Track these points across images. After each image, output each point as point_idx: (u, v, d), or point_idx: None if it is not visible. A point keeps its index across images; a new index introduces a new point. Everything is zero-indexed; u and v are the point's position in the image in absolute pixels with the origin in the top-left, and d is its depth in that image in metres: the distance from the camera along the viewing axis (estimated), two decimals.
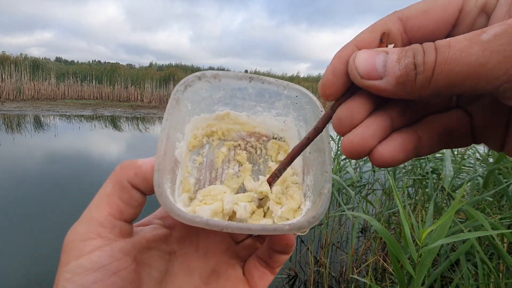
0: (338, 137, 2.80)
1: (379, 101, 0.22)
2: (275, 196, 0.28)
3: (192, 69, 21.91)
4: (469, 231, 1.20)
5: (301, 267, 2.43)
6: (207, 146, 0.31)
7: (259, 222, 0.27)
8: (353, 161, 2.83)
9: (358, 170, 2.74)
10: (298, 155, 0.25)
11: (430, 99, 0.20)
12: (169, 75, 16.16)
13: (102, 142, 6.83)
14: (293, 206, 0.27)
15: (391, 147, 0.21)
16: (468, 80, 0.17)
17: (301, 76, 21.26)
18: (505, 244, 1.34)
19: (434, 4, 0.20)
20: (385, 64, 0.19)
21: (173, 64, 22.97)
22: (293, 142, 0.30)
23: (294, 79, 18.68)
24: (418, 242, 0.93)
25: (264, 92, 0.29)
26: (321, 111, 0.27)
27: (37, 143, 6.15)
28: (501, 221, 1.27)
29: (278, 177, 0.27)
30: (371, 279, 1.88)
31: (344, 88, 0.22)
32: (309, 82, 18.97)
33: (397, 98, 0.20)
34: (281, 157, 0.31)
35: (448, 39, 0.18)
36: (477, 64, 0.16)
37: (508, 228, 1.42)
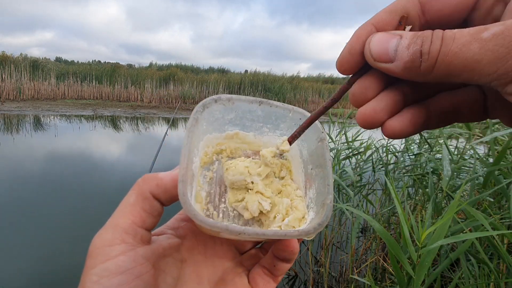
0: (338, 136, 2.80)
1: (392, 79, 0.23)
2: (284, 207, 0.30)
3: (192, 69, 21.89)
4: (470, 231, 1.20)
5: (301, 267, 2.43)
6: (216, 162, 0.33)
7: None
8: (353, 161, 2.82)
9: (358, 169, 2.74)
10: (316, 120, 0.28)
11: (435, 82, 0.21)
12: (169, 75, 16.16)
13: (102, 142, 6.83)
14: (298, 216, 0.30)
15: (400, 121, 0.23)
16: (464, 73, 0.18)
17: (301, 76, 21.26)
18: (505, 245, 1.34)
19: None
20: (396, 49, 0.20)
21: (173, 64, 22.96)
22: (296, 160, 0.34)
23: (294, 79, 18.67)
24: (418, 243, 0.93)
25: (271, 114, 0.32)
26: (323, 133, 0.31)
27: (37, 143, 6.15)
28: (501, 221, 1.27)
29: (297, 137, 0.30)
30: (370, 279, 1.88)
31: (358, 65, 0.23)
32: (309, 82, 18.95)
33: (405, 79, 0.21)
34: (283, 173, 0.34)
35: (455, 30, 0.19)
36: (473, 60, 0.17)
37: (508, 228, 1.42)
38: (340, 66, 0.24)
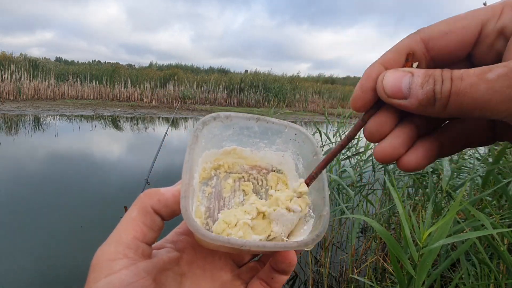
0: (334, 137, 2.80)
1: (404, 113, 0.24)
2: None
3: (192, 69, 21.89)
4: (469, 230, 1.20)
5: (301, 267, 2.43)
6: (215, 178, 0.34)
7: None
8: (353, 161, 2.83)
9: (358, 169, 2.74)
10: (333, 159, 0.29)
11: (449, 117, 0.22)
12: (169, 75, 16.16)
13: (102, 142, 6.83)
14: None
15: (415, 156, 0.24)
16: (476, 110, 0.19)
17: (301, 76, 21.26)
18: (505, 245, 1.34)
19: (455, 26, 0.22)
20: (410, 87, 0.21)
21: (173, 64, 22.95)
22: (291, 174, 0.35)
23: (294, 79, 18.67)
24: (419, 243, 0.93)
25: (267, 130, 0.34)
26: (317, 147, 0.32)
27: (37, 143, 6.15)
28: (501, 221, 1.27)
29: (315, 178, 0.30)
30: (371, 279, 1.88)
31: (371, 102, 0.25)
32: (309, 82, 18.95)
33: (418, 114, 0.22)
34: (280, 186, 0.35)
35: (462, 71, 0.20)
36: (482, 100, 0.19)
37: (509, 227, 1.42)
38: (354, 104, 0.25)
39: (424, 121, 0.25)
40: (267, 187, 0.35)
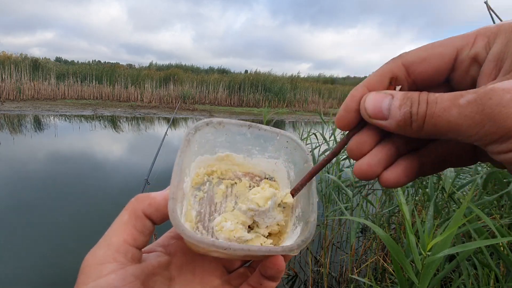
0: (331, 137, 2.80)
1: (386, 132, 0.26)
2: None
3: (192, 69, 21.88)
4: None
5: (301, 267, 2.43)
6: (207, 183, 0.34)
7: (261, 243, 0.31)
8: (352, 161, 2.83)
9: None
10: (317, 173, 0.30)
11: (427, 138, 0.23)
12: (169, 75, 16.16)
13: (102, 142, 6.83)
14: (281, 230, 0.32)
15: (394, 173, 0.26)
16: (449, 133, 0.21)
17: (302, 76, 21.25)
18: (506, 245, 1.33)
19: (432, 53, 0.24)
20: (389, 108, 0.23)
21: (173, 64, 22.95)
22: (283, 181, 0.35)
23: (294, 79, 18.67)
24: (423, 252, 0.92)
25: (260, 137, 0.34)
26: (307, 154, 0.33)
27: (37, 143, 6.15)
28: (501, 221, 1.27)
29: (300, 190, 0.31)
30: (370, 279, 1.88)
31: (355, 122, 0.26)
32: (309, 82, 18.94)
33: (399, 134, 0.24)
34: None
35: (437, 94, 0.21)
36: (455, 123, 0.20)
37: (509, 228, 1.41)
38: (338, 123, 0.27)
39: (405, 140, 0.26)
40: None
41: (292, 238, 0.30)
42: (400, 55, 0.25)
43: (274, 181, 0.36)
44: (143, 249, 0.29)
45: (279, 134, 0.34)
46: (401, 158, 0.26)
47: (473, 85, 0.23)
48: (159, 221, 0.29)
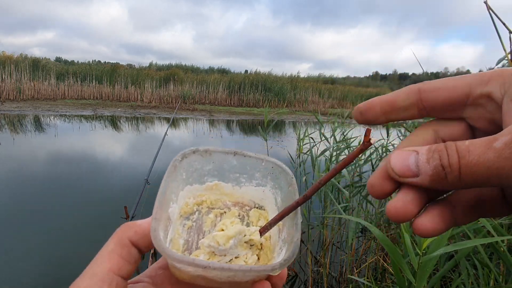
0: (331, 137, 2.80)
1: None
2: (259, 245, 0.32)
3: (192, 69, 21.89)
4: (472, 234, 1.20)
5: (301, 267, 2.44)
6: (197, 213, 0.35)
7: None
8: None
9: (358, 170, 2.74)
10: (287, 215, 0.30)
11: (466, 188, 0.22)
12: (169, 75, 16.17)
13: (102, 142, 6.83)
14: (268, 254, 0.32)
15: (430, 218, 0.24)
16: (492, 179, 0.19)
17: (302, 76, 21.26)
18: (505, 245, 1.33)
19: (446, 84, 0.24)
20: (417, 164, 0.22)
21: (173, 64, 22.95)
22: (271, 209, 0.35)
23: (294, 79, 18.67)
24: (419, 252, 0.93)
25: (246, 164, 0.34)
26: (292, 178, 0.33)
27: (37, 143, 6.15)
28: (501, 220, 1.27)
29: (269, 229, 0.31)
30: (370, 280, 1.88)
31: (393, 188, 0.24)
32: (309, 82, 18.95)
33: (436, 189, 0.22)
34: (261, 223, 0.35)
35: (467, 142, 0.20)
36: (494, 168, 0.19)
37: (509, 227, 1.42)
38: (373, 193, 0.25)
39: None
40: (248, 222, 0.35)
41: (276, 259, 0.30)
42: (420, 83, 0.25)
43: (264, 209, 0.36)
44: (129, 280, 0.29)
45: (264, 160, 0.34)
46: (430, 204, 0.24)
47: (491, 123, 0.23)
48: (146, 249, 0.29)
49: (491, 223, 1.06)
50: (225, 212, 0.35)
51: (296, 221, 0.30)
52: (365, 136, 0.25)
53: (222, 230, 0.30)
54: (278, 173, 0.34)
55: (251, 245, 0.31)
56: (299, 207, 0.30)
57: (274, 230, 0.33)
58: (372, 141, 0.25)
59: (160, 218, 0.27)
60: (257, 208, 0.36)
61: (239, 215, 0.35)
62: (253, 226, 0.34)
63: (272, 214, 0.35)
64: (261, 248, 0.32)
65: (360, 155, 0.28)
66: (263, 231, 0.31)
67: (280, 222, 0.31)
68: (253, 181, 0.35)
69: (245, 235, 0.31)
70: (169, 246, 0.29)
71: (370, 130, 0.25)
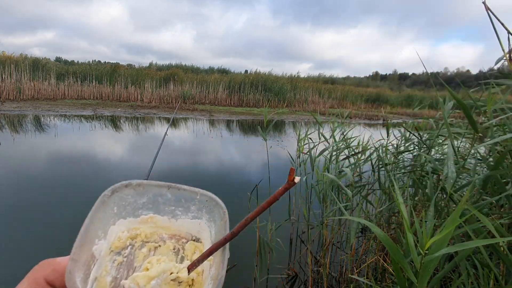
0: (331, 138, 2.80)
1: None
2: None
3: (192, 69, 21.87)
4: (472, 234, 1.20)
5: (301, 267, 2.44)
6: (129, 247, 0.33)
7: None
8: (352, 160, 2.83)
9: (358, 169, 2.74)
10: (215, 251, 0.30)
11: None
12: (169, 75, 16.17)
13: (102, 142, 6.83)
14: None
15: None
16: None
17: (302, 76, 21.25)
18: (505, 244, 1.33)
19: None
20: None
21: (173, 64, 22.94)
22: (207, 241, 0.35)
23: (294, 79, 18.67)
24: (421, 252, 0.92)
25: (181, 197, 0.34)
26: (224, 212, 0.33)
27: (37, 143, 6.15)
28: (501, 221, 1.27)
29: (197, 266, 0.31)
30: (370, 279, 1.88)
31: None
32: (309, 82, 18.95)
33: None
34: (196, 256, 0.34)
35: None
36: None
37: (508, 227, 1.42)
38: None
39: None
40: (183, 255, 0.34)
41: None
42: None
43: (200, 242, 0.35)
44: None
45: (199, 194, 0.34)
46: None
47: None
48: None
49: (493, 223, 1.06)
50: (159, 246, 0.34)
51: (223, 258, 0.29)
52: (289, 175, 0.25)
53: (147, 269, 0.29)
54: (213, 206, 0.34)
55: (179, 282, 0.30)
56: (227, 243, 0.30)
57: (206, 265, 0.32)
58: (296, 180, 0.25)
59: (78, 259, 0.26)
60: (194, 240, 0.35)
61: (174, 249, 0.34)
62: (187, 259, 0.33)
63: (207, 246, 0.34)
64: (192, 284, 0.31)
65: (286, 191, 0.29)
66: (191, 267, 0.30)
67: (211, 257, 0.31)
68: (189, 214, 0.35)
69: (171, 273, 0.30)
70: (93, 285, 0.28)
71: (294, 169, 0.26)
